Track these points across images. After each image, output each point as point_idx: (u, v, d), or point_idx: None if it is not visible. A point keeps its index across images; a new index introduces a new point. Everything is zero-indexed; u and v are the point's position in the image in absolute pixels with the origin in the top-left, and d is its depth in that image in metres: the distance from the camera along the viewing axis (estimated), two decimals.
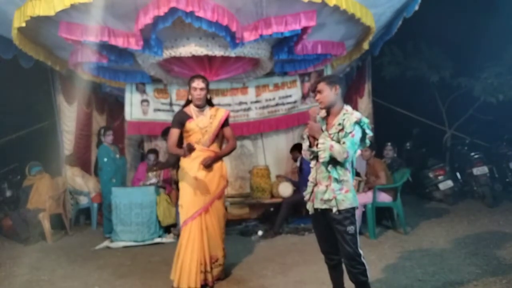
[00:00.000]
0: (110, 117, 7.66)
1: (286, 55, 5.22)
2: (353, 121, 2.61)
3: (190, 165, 3.57)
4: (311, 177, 2.79)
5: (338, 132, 2.65)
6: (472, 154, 6.81)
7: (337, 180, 2.64)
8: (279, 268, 4.02)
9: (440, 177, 6.91)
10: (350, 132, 2.59)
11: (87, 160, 7.01)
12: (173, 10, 3.83)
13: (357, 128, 2.61)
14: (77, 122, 6.63)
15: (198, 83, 3.57)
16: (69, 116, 6.49)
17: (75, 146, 6.61)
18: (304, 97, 6.61)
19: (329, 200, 2.64)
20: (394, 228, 5.29)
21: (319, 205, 2.69)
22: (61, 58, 5.49)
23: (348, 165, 2.67)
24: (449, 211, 6.26)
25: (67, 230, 5.96)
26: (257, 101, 6.65)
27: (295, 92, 6.58)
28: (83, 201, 6.49)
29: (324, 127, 2.74)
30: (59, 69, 5.71)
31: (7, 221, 5.80)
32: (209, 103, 3.73)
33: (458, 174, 7.35)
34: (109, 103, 7.64)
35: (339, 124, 2.66)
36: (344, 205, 2.62)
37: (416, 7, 4.72)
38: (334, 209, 2.62)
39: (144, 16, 3.89)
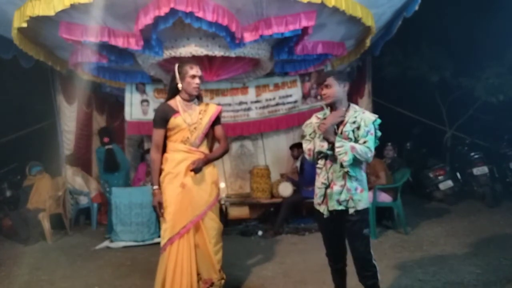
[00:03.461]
0: (110, 117, 7.67)
1: (286, 56, 5.22)
2: (371, 120, 2.57)
3: (176, 170, 2.97)
4: (322, 179, 2.66)
5: (353, 130, 2.57)
6: (472, 154, 6.81)
7: (353, 180, 2.57)
8: (279, 268, 4.02)
9: (440, 177, 6.91)
10: (369, 131, 2.55)
11: (88, 160, 7.01)
12: (173, 11, 3.83)
13: (373, 127, 2.58)
14: (77, 122, 6.64)
15: (197, 70, 3.02)
16: (69, 116, 6.49)
17: (75, 146, 6.62)
18: (304, 97, 6.61)
19: (345, 201, 2.56)
20: (394, 228, 5.29)
21: (335, 206, 2.59)
22: (61, 58, 5.49)
23: (363, 165, 2.62)
24: (449, 211, 6.25)
25: (67, 230, 5.96)
26: (257, 101, 6.65)
27: (295, 92, 6.58)
28: (83, 201, 6.49)
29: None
30: (59, 69, 5.71)
31: (7, 221, 5.81)
32: (198, 96, 3.17)
33: (458, 174, 7.34)
34: (109, 103, 7.65)
35: (354, 122, 2.58)
36: (361, 205, 2.56)
37: (416, 7, 4.72)
38: (352, 210, 2.54)
39: (144, 16, 3.89)
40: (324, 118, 2.69)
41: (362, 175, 2.63)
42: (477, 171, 6.55)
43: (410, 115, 8.31)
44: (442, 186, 6.86)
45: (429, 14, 5.84)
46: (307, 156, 2.77)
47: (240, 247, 4.83)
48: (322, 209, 2.66)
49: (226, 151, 3.22)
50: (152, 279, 3.82)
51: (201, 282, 3.00)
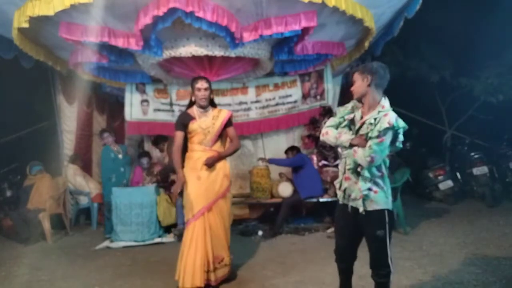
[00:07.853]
0: (111, 117, 7.67)
1: (286, 56, 5.22)
2: (384, 126, 2.39)
3: (194, 165, 3.62)
4: (340, 166, 2.67)
5: (368, 133, 2.48)
6: (472, 154, 6.81)
7: (366, 180, 2.48)
8: (279, 268, 4.03)
9: (440, 177, 6.91)
10: (378, 137, 2.40)
11: (88, 160, 7.02)
12: (172, 11, 3.83)
13: (389, 133, 2.42)
14: (77, 122, 6.65)
15: (202, 84, 3.65)
16: (69, 116, 6.50)
17: (76, 147, 6.63)
18: (304, 97, 6.61)
19: (356, 199, 2.51)
20: (393, 228, 5.28)
21: (347, 201, 2.59)
22: (61, 58, 5.49)
23: (381, 166, 2.50)
24: (449, 211, 6.26)
25: (67, 230, 5.97)
26: (257, 101, 6.65)
27: (295, 92, 6.58)
28: (83, 201, 6.49)
29: (359, 118, 2.57)
30: (59, 69, 5.71)
31: (7, 221, 5.82)
32: (212, 103, 3.79)
33: (458, 174, 7.34)
34: (109, 103, 7.65)
35: (371, 124, 2.47)
36: (372, 207, 2.47)
37: (417, 8, 4.72)
38: (361, 209, 2.49)
39: (144, 16, 3.89)
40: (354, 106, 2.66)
41: (380, 176, 2.50)
42: (477, 171, 6.56)
43: (410, 115, 8.30)
44: (442, 186, 6.86)
45: (429, 14, 5.83)
46: (321, 136, 2.71)
47: (240, 247, 4.83)
48: (339, 195, 2.68)
49: (237, 148, 3.84)
50: (152, 279, 3.85)
51: (213, 257, 3.54)
